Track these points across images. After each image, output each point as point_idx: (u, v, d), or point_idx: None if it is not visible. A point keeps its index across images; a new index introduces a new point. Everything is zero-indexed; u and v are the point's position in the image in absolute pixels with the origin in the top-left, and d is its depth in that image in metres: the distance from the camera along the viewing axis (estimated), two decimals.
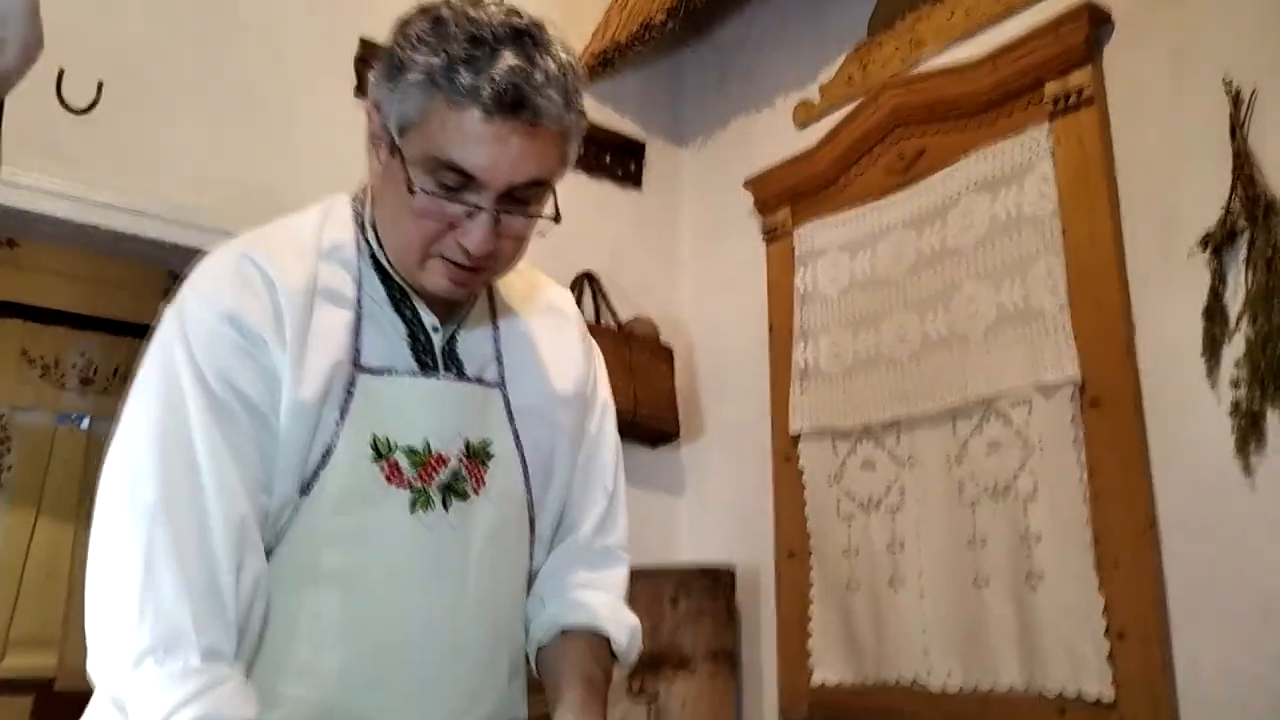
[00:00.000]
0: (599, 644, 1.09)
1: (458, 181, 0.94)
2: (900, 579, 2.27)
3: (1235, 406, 1.77)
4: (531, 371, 1.12)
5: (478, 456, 1.04)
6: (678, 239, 3.16)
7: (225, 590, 0.89)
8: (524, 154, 0.93)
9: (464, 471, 1.03)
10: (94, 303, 4.24)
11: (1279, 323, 1.72)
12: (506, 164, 0.93)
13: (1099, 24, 2.07)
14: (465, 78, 0.90)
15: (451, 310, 1.08)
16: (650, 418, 2.74)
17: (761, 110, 2.94)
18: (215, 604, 0.88)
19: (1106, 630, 1.87)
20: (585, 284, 2.85)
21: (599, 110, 3.02)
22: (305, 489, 0.96)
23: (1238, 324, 1.80)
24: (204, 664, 0.85)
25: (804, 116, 2.77)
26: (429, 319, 1.06)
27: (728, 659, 2.54)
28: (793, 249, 2.67)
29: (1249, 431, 1.75)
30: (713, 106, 3.13)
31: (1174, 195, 1.94)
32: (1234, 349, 1.80)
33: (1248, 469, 1.75)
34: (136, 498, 0.89)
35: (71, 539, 4.01)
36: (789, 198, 2.71)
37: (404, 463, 0.99)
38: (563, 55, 0.95)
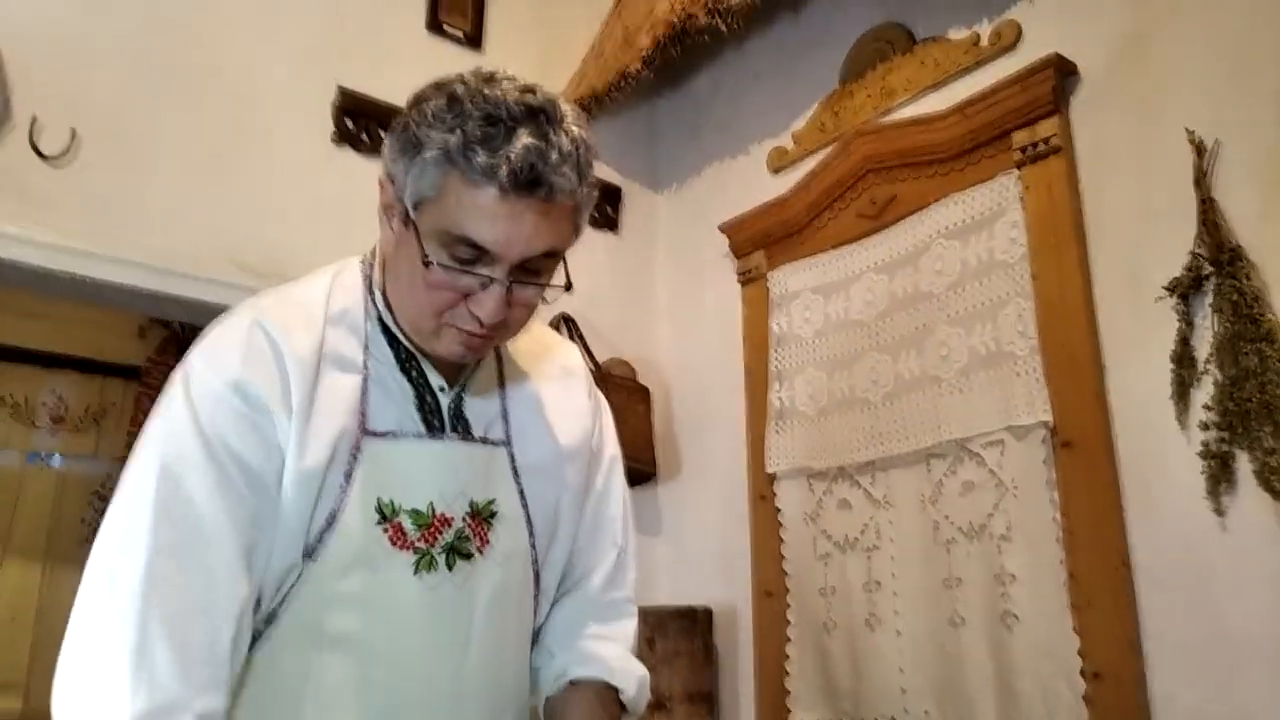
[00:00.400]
0: (607, 694, 1.11)
1: (472, 255, 0.95)
2: (877, 619, 2.28)
3: (1205, 449, 1.81)
4: (537, 429, 1.13)
5: (482, 516, 1.05)
6: (654, 282, 3.19)
7: (222, 657, 0.89)
8: (538, 229, 0.95)
9: (468, 531, 1.03)
10: (65, 342, 4.20)
11: (1246, 367, 1.76)
12: (521, 239, 0.94)
13: (1066, 75, 2.13)
14: (482, 157, 0.91)
15: (459, 371, 1.09)
16: (628, 458, 2.70)
17: (736, 157, 2.99)
18: (213, 672, 0.88)
19: (1082, 671, 1.89)
20: (563, 325, 2.87)
21: None
22: (310, 553, 0.96)
23: (1206, 368, 1.84)
24: None
25: (778, 162, 2.82)
26: (436, 380, 1.07)
27: (705, 700, 2.53)
28: (768, 292, 2.70)
29: (1219, 474, 1.79)
30: (688, 153, 3.17)
31: (1141, 242, 1.99)
32: (1203, 392, 1.84)
33: (1219, 510, 1.79)
34: (132, 563, 0.88)
35: (39, 580, 3.94)
36: (764, 242, 2.75)
37: (408, 524, 1.00)
38: (576, 130, 0.96)
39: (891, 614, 2.25)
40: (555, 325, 2.83)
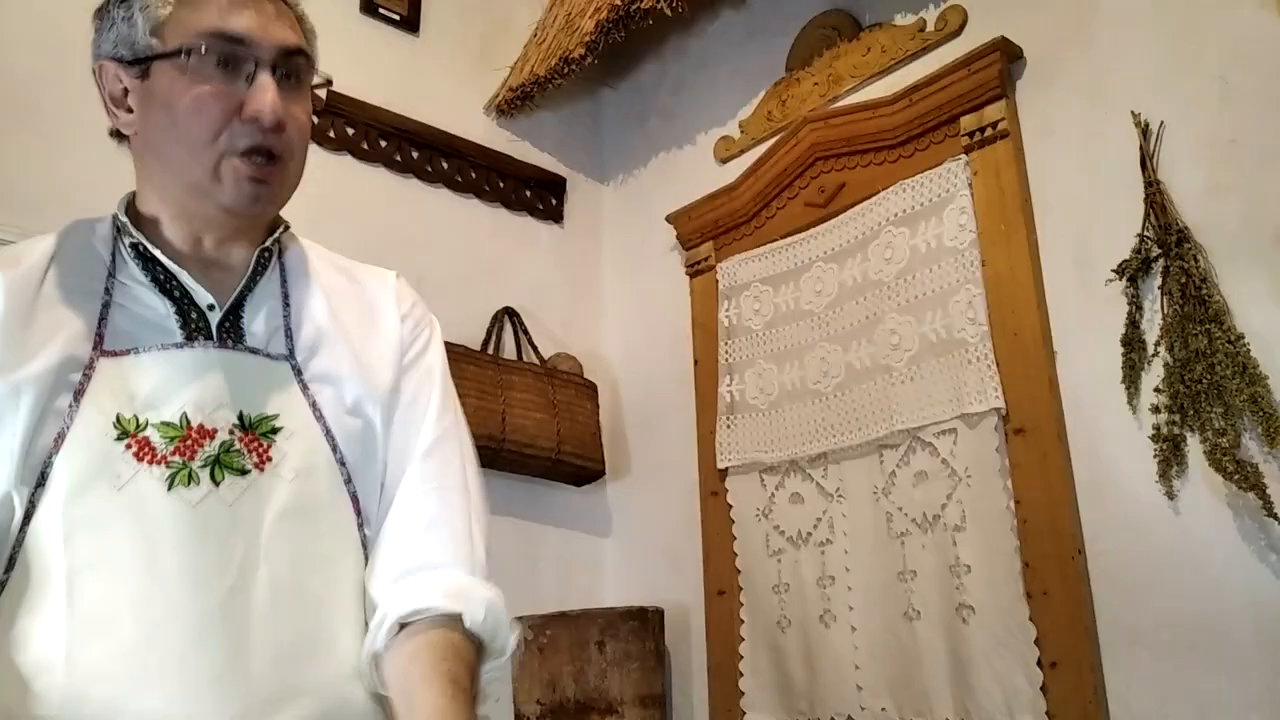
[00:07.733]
0: (451, 629, 0.94)
1: (229, 52, 0.96)
2: (831, 614, 2.24)
3: (1156, 432, 1.79)
4: (331, 341, 1.05)
5: (256, 430, 0.96)
6: (600, 274, 3.12)
7: None
8: (279, 18, 0.99)
9: (239, 445, 0.94)
10: None
11: (1196, 348, 1.74)
12: (270, 25, 0.98)
13: (1012, 59, 2.12)
14: None
15: (229, 290, 1.03)
16: (575, 456, 2.67)
17: (683, 147, 2.94)
18: None
19: (1039, 660, 1.86)
20: (506, 319, 2.79)
21: (519, 145, 2.98)
22: (42, 481, 0.89)
23: (1156, 351, 1.83)
24: None
25: (725, 152, 2.77)
26: (204, 299, 1.00)
27: (657, 703, 2.46)
28: (717, 283, 2.65)
29: (1170, 457, 1.77)
30: (634, 144, 3.11)
31: (1089, 225, 1.98)
32: (1153, 376, 1.82)
33: (1171, 494, 1.77)
34: None
35: None
36: (712, 232, 2.70)
37: (156, 438, 0.92)
38: None
39: (846, 609, 2.21)
40: (497, 319, 2.75)
